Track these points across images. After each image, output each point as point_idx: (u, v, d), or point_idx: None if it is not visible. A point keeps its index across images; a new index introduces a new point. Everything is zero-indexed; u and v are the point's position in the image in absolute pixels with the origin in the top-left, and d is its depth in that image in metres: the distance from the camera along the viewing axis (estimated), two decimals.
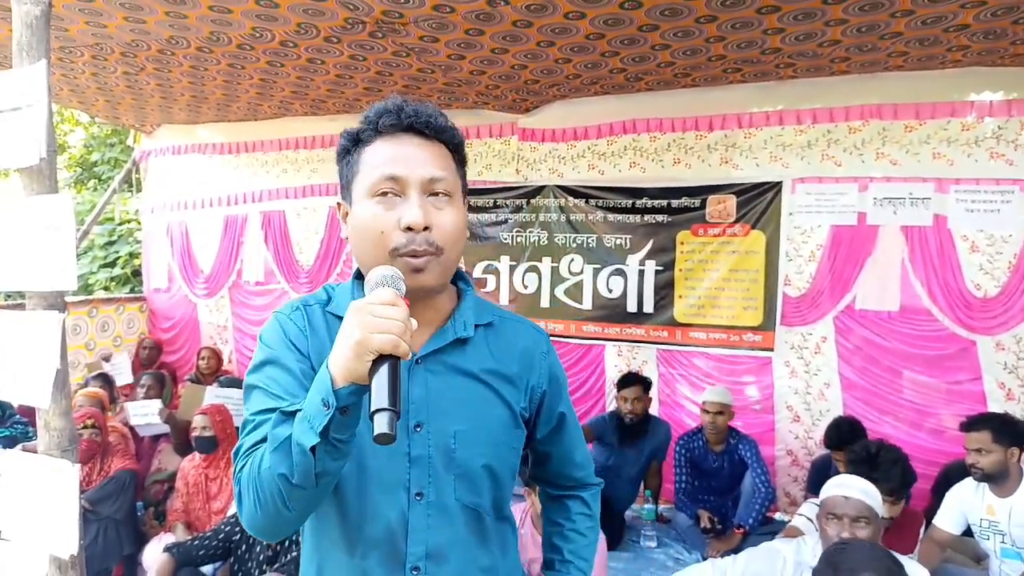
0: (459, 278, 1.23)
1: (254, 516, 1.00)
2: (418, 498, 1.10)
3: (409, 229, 1.03)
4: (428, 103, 1.13)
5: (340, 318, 1.06)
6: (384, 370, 0.88)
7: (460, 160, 1.15)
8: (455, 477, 1.11)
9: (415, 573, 1.09)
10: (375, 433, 0.85)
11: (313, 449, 0.90)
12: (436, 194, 1.07)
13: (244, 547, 2.80)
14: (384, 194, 1.06)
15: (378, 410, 0.86)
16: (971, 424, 2.95)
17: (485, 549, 1.16)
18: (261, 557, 2.73)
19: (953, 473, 3.58)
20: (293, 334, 1.12)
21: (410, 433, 1.10)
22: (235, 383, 4.85)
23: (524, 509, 3.11)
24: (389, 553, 1.09)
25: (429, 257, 1.04)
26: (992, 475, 2.84)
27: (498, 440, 1.15)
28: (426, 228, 1.04)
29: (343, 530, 1.11)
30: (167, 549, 2.82)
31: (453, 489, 1.11)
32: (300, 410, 0.93)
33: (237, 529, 2.83)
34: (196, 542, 2.83)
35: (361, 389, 0.90)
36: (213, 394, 4.35)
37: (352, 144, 1.13)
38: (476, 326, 1.17)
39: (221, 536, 2.82)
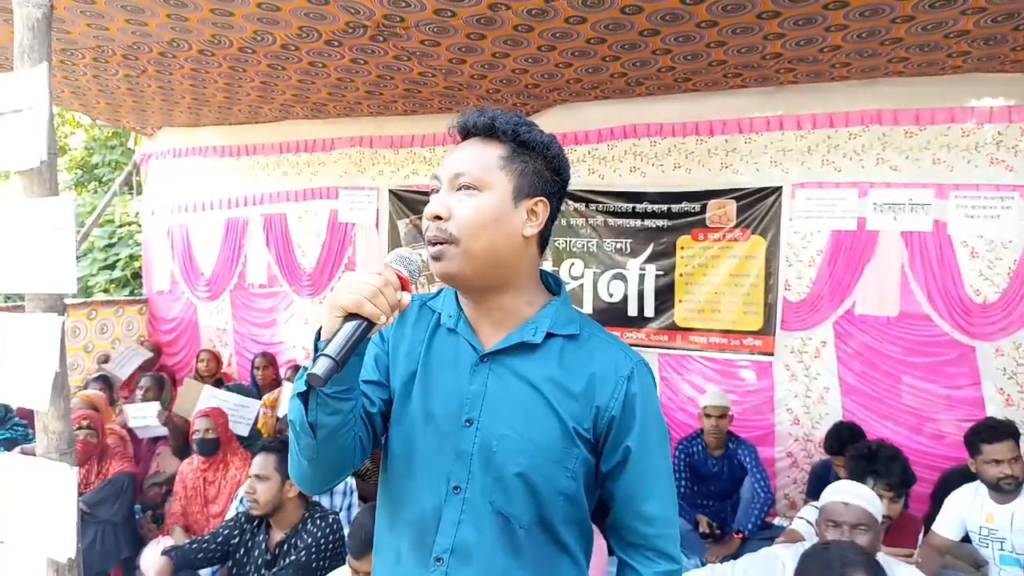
0: (557, 288, 1.26)
1: (290, 464, 1.15)
2: (456, 492, 1.13)
3: (432, 218, 1.13)
4: (512, 111, 1.20)
5: (435, 312, 1.25)
6: (348, 326, 0.97)
7: (525, 158, 1.15)
8: (492, 480, 1.12)
9: (438, 564, 1.12)
10: (308, 371, 0.94)
11: (305, 398, 1.03)
12: (462, 188, 1.12)
13: (242, 551, 2.79)
14: (435, 191, 1.17)
15: (321, 354, 0.94)
16: (994, 434, 2.85)
17: (517, 563, 1.13)
18: (259, 561, 2.72)
19: (953, 479, 3.57)
20: None
21: (461, 427, 1.14)
22: (239, 390, 4.85)
23: None
24: (419, 538, 1.15)
25: (444, 245, 1.11)
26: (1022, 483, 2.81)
27: (542, 452, 1.12)
28: (438, 218, 1.11)
29: (390, 508, 1.21)
30: (165, 552, 2.81)
31: (488, 491, 1.12)
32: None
33: (235, 533, 2.82)
34: (195, 545, 2.82)
35: None
36: (209, 394, 4.36)
37: None
38: (551, 335, 1.17)
39: (219, 539, 2.81)
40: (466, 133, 1.19)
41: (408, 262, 1.06)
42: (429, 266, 1.15)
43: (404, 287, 1.03)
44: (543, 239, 1.21)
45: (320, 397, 1.02)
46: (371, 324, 0.98)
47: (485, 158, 1.14)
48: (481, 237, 1.11)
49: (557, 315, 1.19)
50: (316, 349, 1.00)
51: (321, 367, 0.93)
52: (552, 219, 1.21)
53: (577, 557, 1.20)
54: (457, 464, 1.13)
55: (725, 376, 4.50)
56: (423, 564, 1.13)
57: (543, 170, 1.17)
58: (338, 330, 0.97)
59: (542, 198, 1.16)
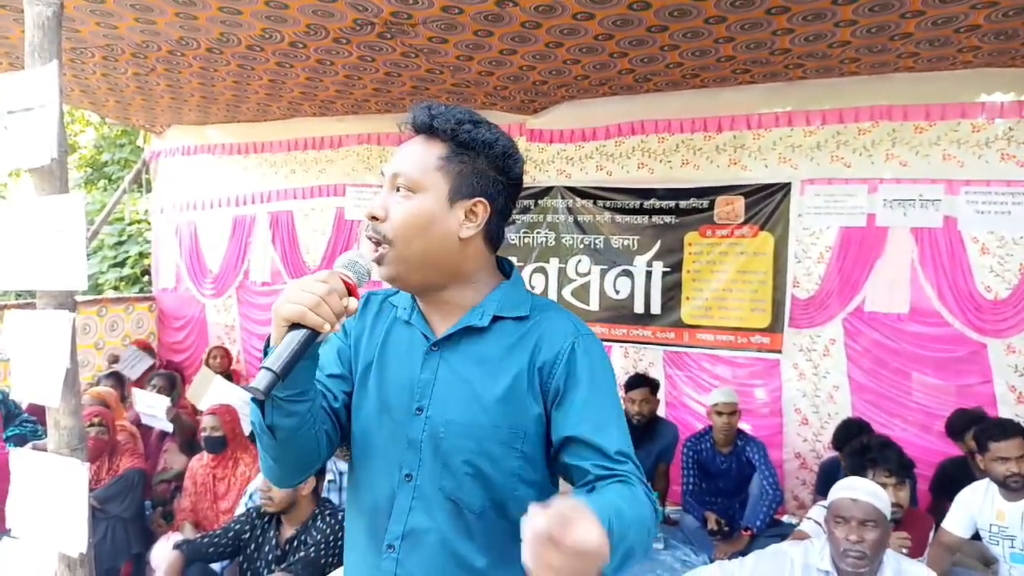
0: (508, 273, 1.26)
1: (260, 461, 1.17)
2: (407, 480, 1.14)
3: (369, 218, 1.13)
4: (459, 106, 1.17)
5: (395, 306, 1.25)
6: (289, 336, 0.96)
7: (464, 158, 1.13)
8: (440, 466, 1.12)
9: (390, 551, 1.13)
10: (249, 385, 0.95)
11: (261, 403, 1.04)
12: (399, 188, 1.12)
13: (253, 546, 2.82)
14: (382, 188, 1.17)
15: (261, 367, 0.94)
16: (1002, 432, 2.84)
17: (470, 547, 1.12)
18: (270, 556, 2.75)
19: (950, 469, 3.60)
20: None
21: (412, 416, 1.14)
22: None
23: None
24: (373, 526, 1.17)
25: (381, 248, 1.11)
26: None
27: (489, 436, 1.11)
28: (374, 218, 1.12)
29: (352, 498, 1.24)
30: (177, 546, 2.84)
31: (438, 477, 1.12)
32: None
33: (247, 528, 2.85)
34: (206, 539, 2.85)
35: None
36: (219, 386, 4.41)
37: None
38: (498, 318, 1.16)
39: (231, 534, 2.84)
40: (414, 129, 1.18)
41: (356, 266, 1.05)
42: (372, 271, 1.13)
43: (352, 292, 1.02)
44: (492, 236, 1.19)
45: (275, 401, 1.03)
46: (315, 333, 0.97)
47: (425, 158, 1.13)
48: (413, 241, 1.10)
49: (505, 298, 1.18)
50: (266, 357, 0.99)
51: (261, 381, 0.93)
52: (501, 217, 1.19)
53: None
54: (408, 452, 1.14)
55: (732, 376, 4.49)
56: (376, 551, 1.15)
57: (485, 170, 1.15)
58: (282, 339, 0.96)
59: (481, 199, 1.14)
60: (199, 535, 3.02)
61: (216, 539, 2.84)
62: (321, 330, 0.97)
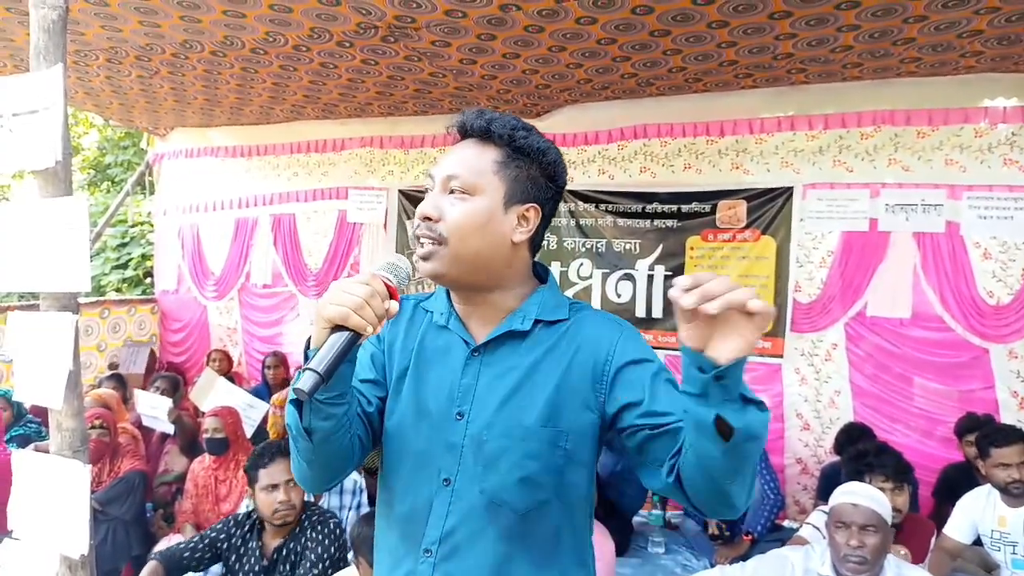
0: (545, 276, 1.27)
1: (292, 465, 1.17)
2: (446, 484, 1.14)
3: (422, 219, 1.14)
4: (508, 113, 1.20)
5: (428, 311, 1.26)
6: (333, 338, 0.97)
7: (519, 163, 1.16)
8: (483, 469, 1.12)
9: (427, 556, 1.13)
10: (294, 384, 0.95)
11: (299, 405, 1.05)
12: (454, 190, 1.13)
13: (234, 557, 2.66)
14: (428, 191, 1.18)
15: (306, 368, 0.95)
16: (1003, 438, 2.85)
17: (512, 549, 1.12)
18: (256, 568, 2.61)
19: (953, 474, 3.57)
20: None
21: (452, 421, 1.15)
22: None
23: None
24: (410, 531, 1.16)
25: (432, 246, 1.12)
26: None
27: (534, 437, 1.11)
28: (427, 219, 1.12)
29: (386, 503, 1.22)
30: (153, 556, 2.67)
31: (480, 480, 1.12)
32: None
33: (222, 537, 2.68)
34: (182, 546, 2.64)
35: None
36: (223, 388, 4.40)
37: None
38: (539, 321, 1.17)
39: (207, 541, 2.66)
40: (464, 133, 1.20)
41: (397, 270, 1.07)
42: (416, 267, 1.15)
43: (392, 296, 1.03)
44: (535, 242, 1.22)
45: (313, 404, 1.04)
46: (357, 335, 0.98)
47: (479, 162, 1.14)
48: (469, 241, 1.12)
49: (544, 302, 1.20)
50: (306, 359, 1.00)
51: (306, 381, 0.94)
52: (545, 224, 1.21)
53: (580, 537, 1.20)
54: (447, 456, 1.14)
55: None
56: (413, 556, 1.14)
57: (537, 176, 1.18)
58: (323, 342, 0.97)
59: (534, 204, 1.17)
60: (177, 543, 2.82)
61: (193, 545, 2.66)
62: (364, 332, 0.98)
